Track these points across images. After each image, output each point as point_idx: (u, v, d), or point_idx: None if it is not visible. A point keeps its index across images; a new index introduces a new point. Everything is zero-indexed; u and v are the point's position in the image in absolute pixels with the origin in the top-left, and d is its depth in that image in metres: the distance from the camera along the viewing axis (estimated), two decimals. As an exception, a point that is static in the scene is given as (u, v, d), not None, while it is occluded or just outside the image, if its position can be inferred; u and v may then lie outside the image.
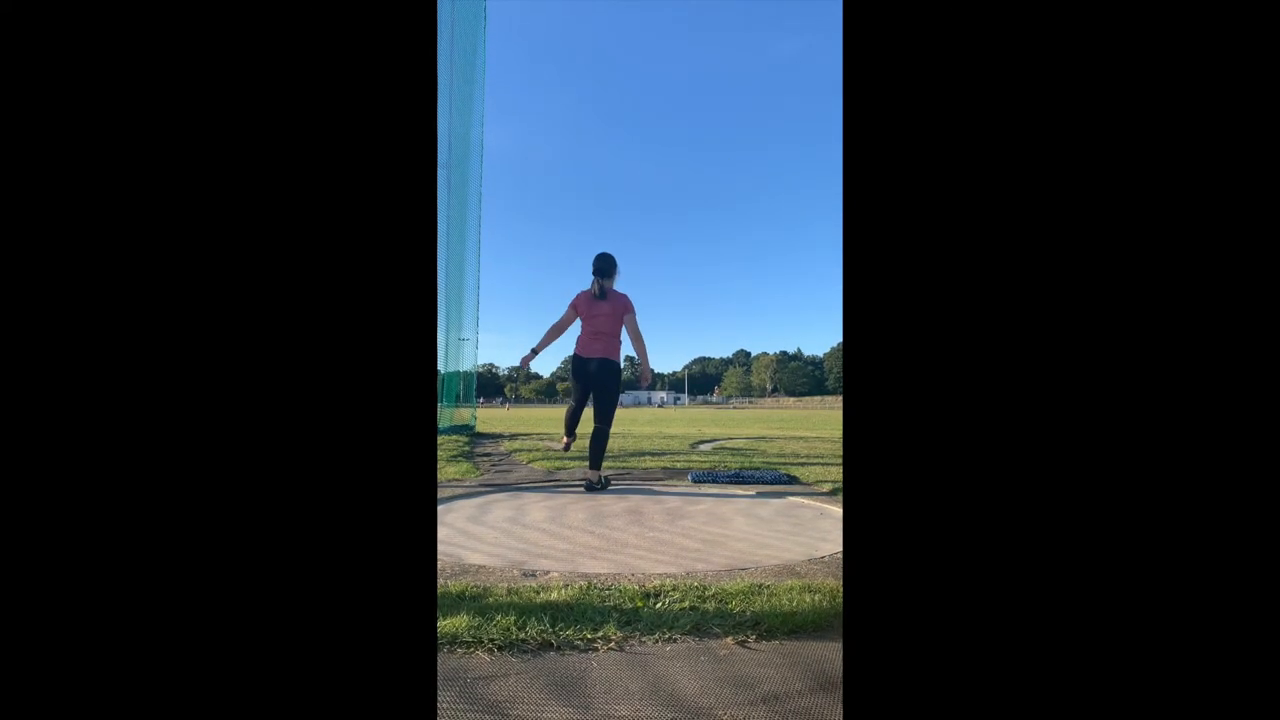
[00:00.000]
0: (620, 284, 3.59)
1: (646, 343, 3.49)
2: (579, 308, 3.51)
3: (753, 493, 3.30)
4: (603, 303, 3.45)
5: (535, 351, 3.63)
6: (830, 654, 1.21)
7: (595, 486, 3.33)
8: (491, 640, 1.24)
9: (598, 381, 3.42)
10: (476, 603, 1.45)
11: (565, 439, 3.76)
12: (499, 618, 1.33)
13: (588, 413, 3.52)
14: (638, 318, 3.49)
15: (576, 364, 3.49)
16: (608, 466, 4.33)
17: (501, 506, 2.87)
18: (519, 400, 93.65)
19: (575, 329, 3.57)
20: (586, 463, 3.50)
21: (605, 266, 3.47)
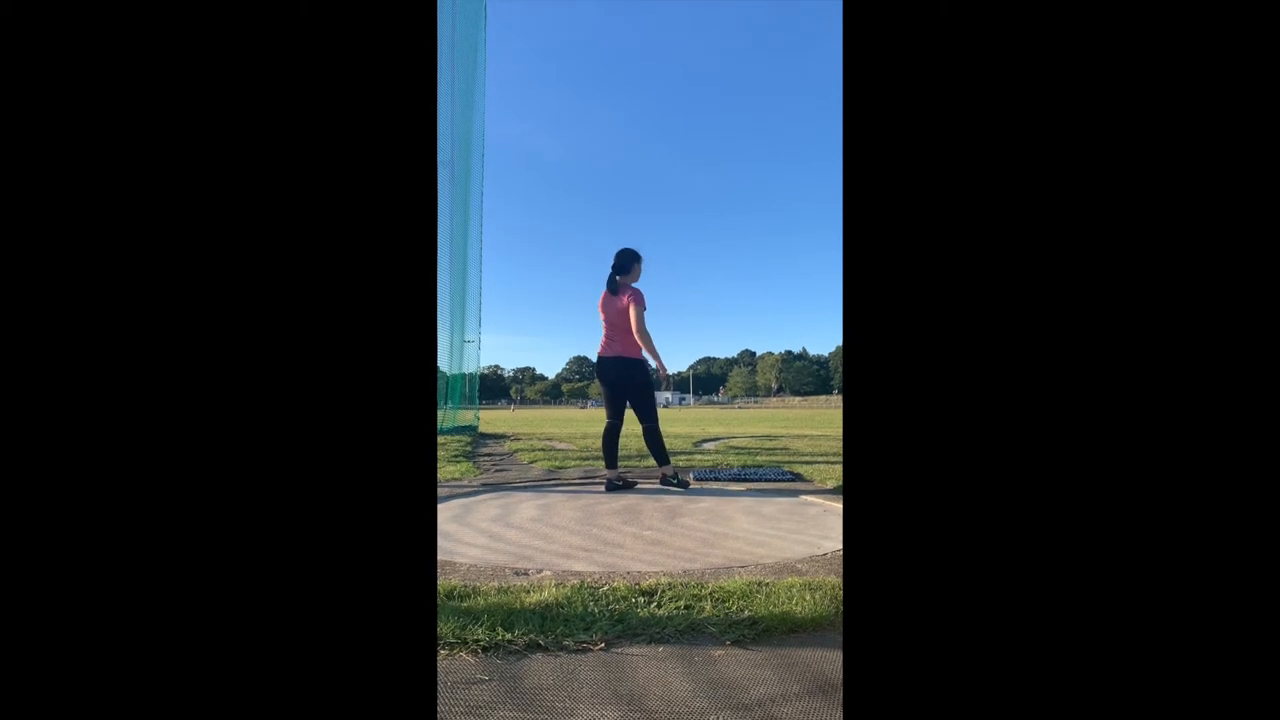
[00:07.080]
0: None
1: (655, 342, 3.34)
2: (600, 307, 3.41)
3: (755, 490, 3.25)
4: (615, 299, 3.35)
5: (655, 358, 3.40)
6: (829, 654, 1.16)
7: (670, 480, 3.27)
8: (476, 641, 1.19)
9: (621, 382, 3.33)
10: (462, 601, 1.41)
11: (608, 473, 3.28)
12: (485, 618, 1.29)
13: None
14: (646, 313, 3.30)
15: (598, 369, 3.42)
16: (601, 465, 4.27)
17: (487, 506, 2.82)
18: (524, 401, 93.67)
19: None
20: (594, 463, 3.43)
21: (622, 262, 3.37)
